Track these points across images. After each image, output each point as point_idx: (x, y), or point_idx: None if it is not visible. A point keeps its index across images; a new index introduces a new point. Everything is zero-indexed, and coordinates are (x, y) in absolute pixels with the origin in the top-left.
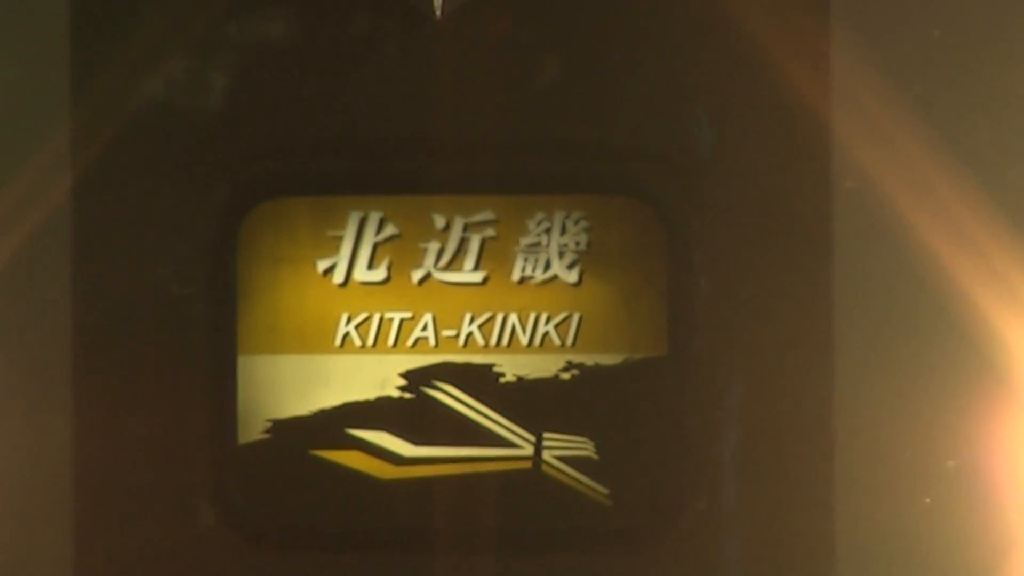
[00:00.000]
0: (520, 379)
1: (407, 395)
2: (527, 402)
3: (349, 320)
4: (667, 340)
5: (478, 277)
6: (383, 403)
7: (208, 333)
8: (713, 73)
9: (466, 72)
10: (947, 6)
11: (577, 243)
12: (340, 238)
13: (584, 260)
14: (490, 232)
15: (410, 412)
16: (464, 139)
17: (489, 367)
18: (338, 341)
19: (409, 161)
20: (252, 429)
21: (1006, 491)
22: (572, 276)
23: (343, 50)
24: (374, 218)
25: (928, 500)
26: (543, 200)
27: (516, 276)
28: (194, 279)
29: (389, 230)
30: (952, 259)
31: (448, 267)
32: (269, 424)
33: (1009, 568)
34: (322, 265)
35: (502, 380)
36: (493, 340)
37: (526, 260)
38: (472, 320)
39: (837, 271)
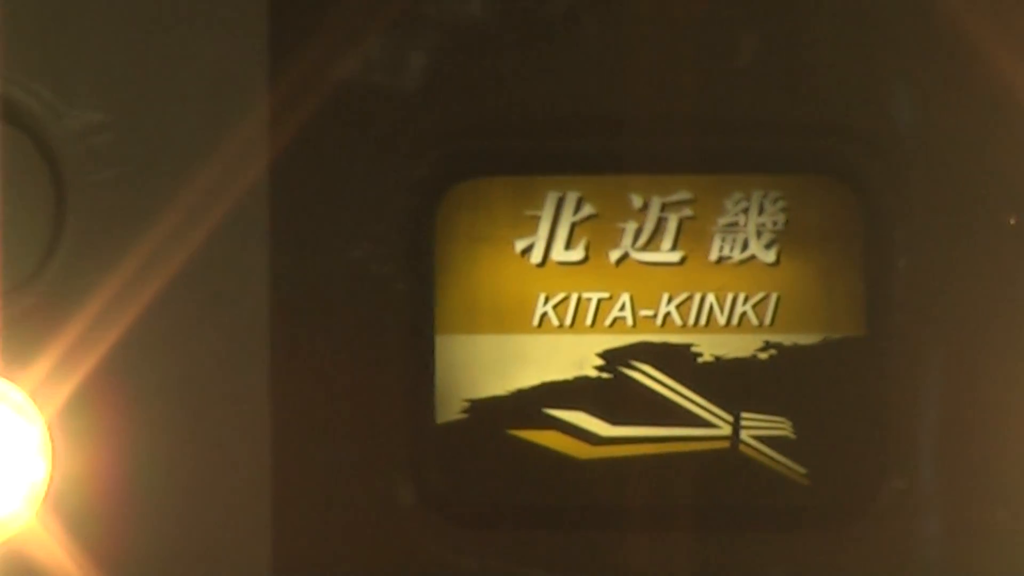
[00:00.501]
0: (718, 359)
1: (604, 375)
2: (725, 382)
3: (547, 300)
4: (865, 320)
5: (675, 257)
6: (580, 383)
7: (406, 312)
8: (915, 51)
9: (664, 50)
10: None
11: (775, 223)
12: (538, 218)
13: (782, 240)
14: (687, 212)
15: (607, 392)
16: (661, 118)
17: (687, 347)
18: (536, 321)
19: (607, 140)
20: (450, 409)
21: None
22: (770, 256)
23: (541, 29)
24: (572, 198)
25: None
26: (741, 179)
27: (714, 256)
28: (393, 258)
29: (587, 210)
30: None
31: (646, 247)
32: (467, 404)
33: None
34: (520, 245)
35: (700, 360)
36: (691, 320)
37: (723, 240)
38: (670, 300)
39: None
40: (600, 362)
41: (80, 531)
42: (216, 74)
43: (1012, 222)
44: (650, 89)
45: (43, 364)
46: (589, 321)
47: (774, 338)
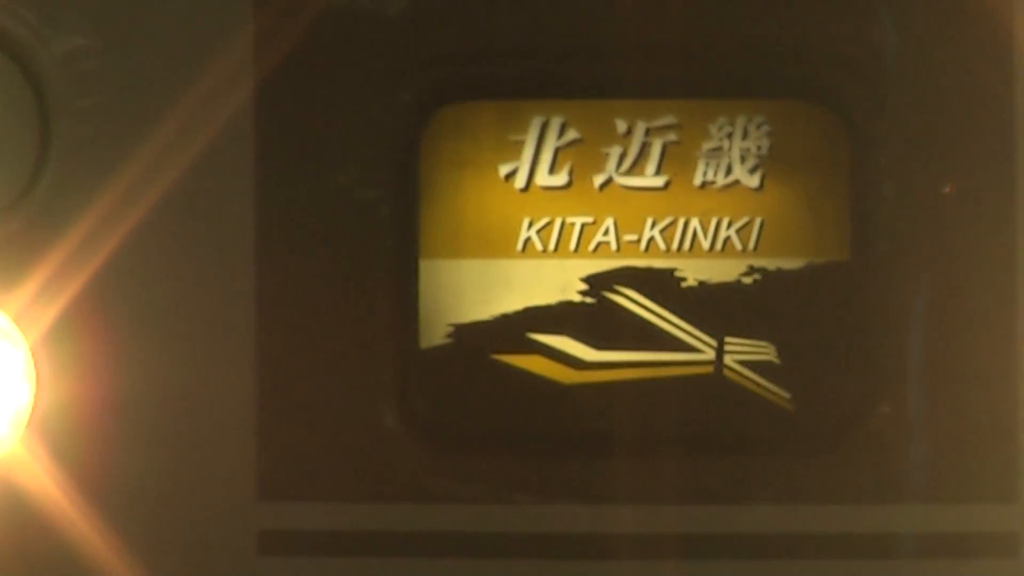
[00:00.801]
0: (702, 283)
1: (588, 300)
2: (709, 307)
3: (531, 225)
4: (850, 244)
5: (660, 182)
6: (564, 308)
7: (391, 237)
8: None
9: None
10: None
11: (759, 147)
12: (522, 143)
13: (766, 165)
14: (672, 137)
15: (591, 317)
16: (645, 43)
17: (671, 272)
18: (520, 246)
19: (591, 65)
20: (434, 333)
21: None
22: (754, 181)
23: None
24: (556, 123)
25: None
26: (725, 104)
27: (698, 181)
28: (377, 182)
29: (571, 135)
30: None
31: (630, 172)
32: (451, 328)
33: None
34: (504, 169)
35: (684, 285)
36: (675, 245)
37: (708, 165)
38: (654, 225)
39: (1021, 173)
40: (584, 287)
41: (65, 456)
42: (199, 2)
43: (947, 190)
44: (634, 14)
45: (28, 289)
46: (573, 246)
47: (758, 263)
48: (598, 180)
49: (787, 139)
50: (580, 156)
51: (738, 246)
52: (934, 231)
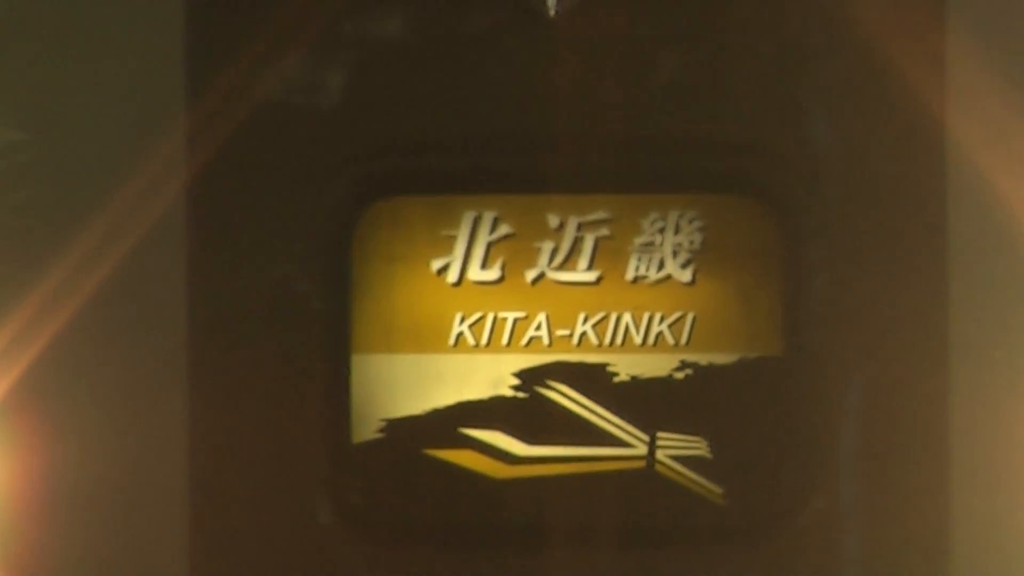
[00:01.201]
0: (634, 378)
1: (521, 394)
2: (641, 402)
3: (463, 319)
4: (782, 340)
5: (592, 276)
6: (497, 402)
7: (323, 331)
8: (829, 71)
9: (580, 70)
10: None
11: (691, 242)
12: (454, 237)
13: (698, 259)
14: (604, 231)
15: (524, 411)
16: (578, 138)
17: (603, 366)
18: (452, 340)
19: (523, 160)
20: (367, 428)
21: None
22: (686, 275)
23: (458, 49)
24: (488, 217)
25: None
26: (657, 199)
27: (630, 275)
28: (309, 277)
29: (503, 229)
30: None
31: (562, 266)
32: (383, 423)
33: None
34: (436, 264)
35: (616, 379)
36: (607, 339)
37: (640, 259)
38: (586, 319)
39: (952, 269)
40: (516, 382)
41: None
42: (134, 95)
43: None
44: (567, 109)
45: None
46: (505, 340)
47: (690, 357)
48: (530, 275)
49: (720, 233)
50: (512, 251)
51: (670, 341)
52: (867, 325)
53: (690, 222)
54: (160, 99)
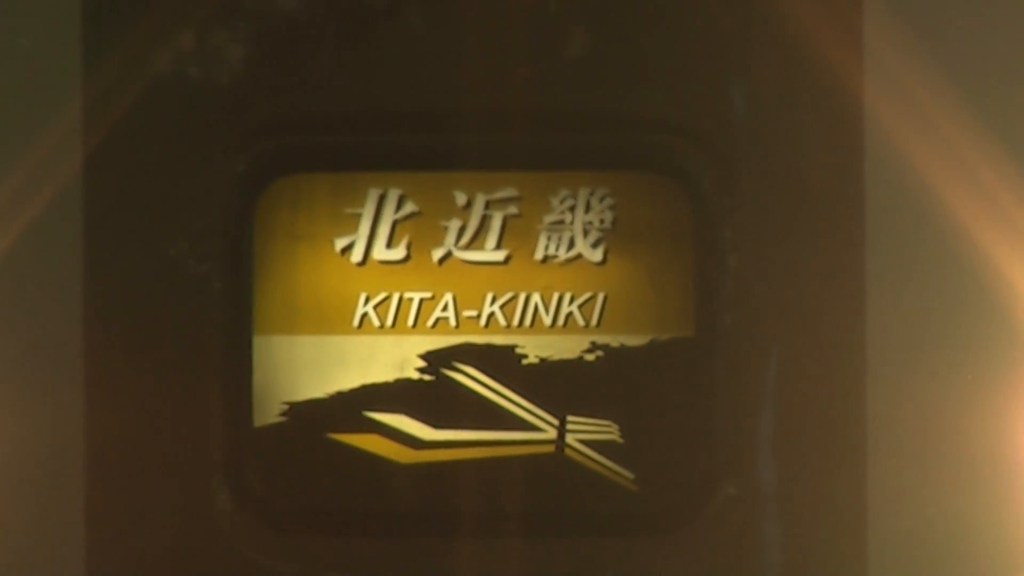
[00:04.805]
0: (543, 361)
1: (427, 377)
2: (550, 384)
3: (368, 300)
4: (694, 320)
5: (500, 256)
6: (402, 385)
7: (223, 312)
8: (743, 45)
9: (489, 44)
10: None
11: (602, 221)
12: (359, 215)
13: (609, 238)
14: (513, 210)
15: (430, 395)
16: (486, 114)
17: (511, 348)
18: (356, 321)
19: (429, 136)
20: (268, 411)
21: None
22: (597, 255)
23: (363, 22)
24: (393, 195)
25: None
26: (567, 176)
27: (539, 255)
28: (210, 256)
29: (409, 207)
30: (986, 236)
31: (469, 246)
32: (286, 406)
33: None
34: (340, 243)
35: (525, 362)
36: (516, 321)
37: (549, 238)
38: (494, 300)
39: (869, 248)
40: (422, 364)
41: None
42: (28, 69)
43: None
44: (475, 84)
45: None
46: (411, 322)
47: (601, 339)
48: (437, 254)
49: (631, 212)
50: (419, 229)
51: (580, 322)
52: (780, 306)
53: (601, 200)
54: (56, 74)
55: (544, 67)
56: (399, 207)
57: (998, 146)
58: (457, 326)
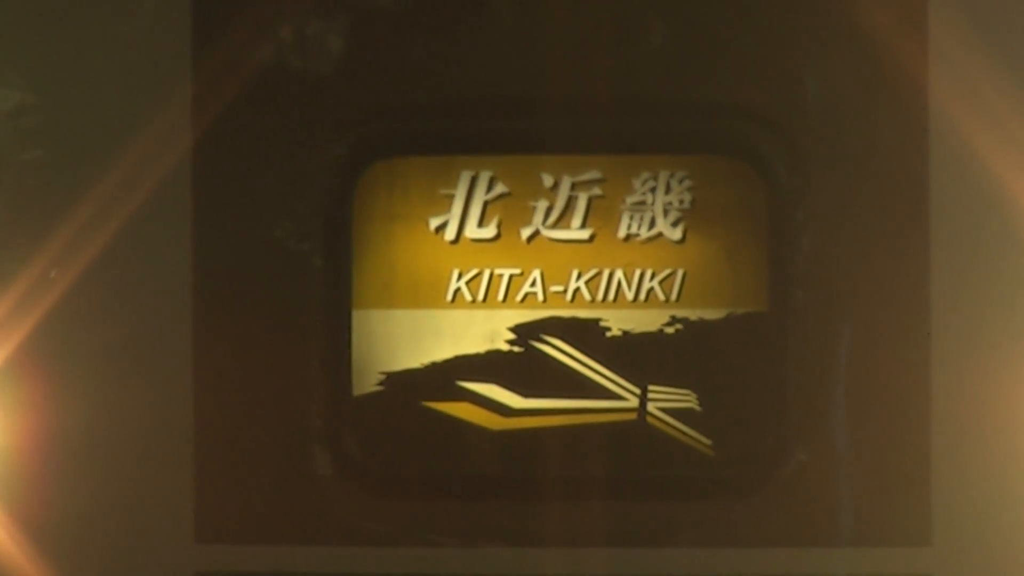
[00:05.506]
0: (625, 333)
1: (516, 349)
2: (632, 355)
3: (460, 276)
4: (768, 296)
5: (585, 234)
6: (493, 356)
7: (324, 288)
8: (815, 35)
9: (574, 33)
10: None
11: (681, 201)
12: (452, 196)
13: (688, 218)
14: (597, 191)
15: (519, 365)
16: (572, 99)
17: (595, 322)
18: (449, 296)
19: (519, 121)
20: (366, 381)
21: None
22: (676, 233)
23: (456, 12)
24: (484, 177)
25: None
26: (648, 160)
27: (622, 233)
28: (311, 236)
29: (499, 188)
30: None
31: (556, 225)
32: (383, 376)
33: None
34: (434, 222)
35: (608, 334)
36: (599, 295)
37: (632, 218)
38: (579, 276)
39: (934, 228)
40: (511, 336)
41: (7, 499)
42: (141, 58)
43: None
44: (562, 71)
45: None
46: (501, 296)
47: (680, 313)
48: (525, 233)
49: (708, 193)
50: (508, 209)
51: (661, 297)
52: (850, 283)
53: (680, 182)
54: (167, 63)
55: (627, 56)
56: (490, 188)
57: None
58: (544, 300)
